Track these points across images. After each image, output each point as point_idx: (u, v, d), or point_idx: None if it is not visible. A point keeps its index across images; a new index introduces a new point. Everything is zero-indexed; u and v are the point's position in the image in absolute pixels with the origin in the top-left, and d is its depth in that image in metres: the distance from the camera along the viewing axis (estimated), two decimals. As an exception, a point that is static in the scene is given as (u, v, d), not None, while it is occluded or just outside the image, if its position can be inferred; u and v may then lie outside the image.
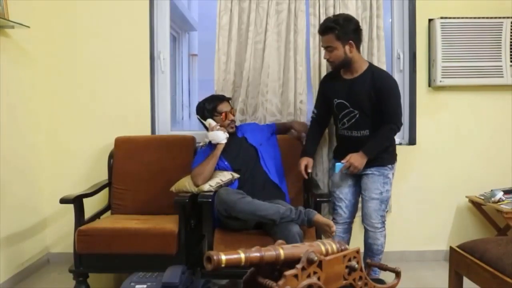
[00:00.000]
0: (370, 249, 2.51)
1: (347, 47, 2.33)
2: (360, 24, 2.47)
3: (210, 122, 2.54)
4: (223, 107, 2.57)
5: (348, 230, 2.61)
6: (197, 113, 2.64)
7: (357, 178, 2.53)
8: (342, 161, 2.38)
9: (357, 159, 2.35)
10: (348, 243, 2.60)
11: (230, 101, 2.69)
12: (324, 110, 2.59)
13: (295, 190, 2.74)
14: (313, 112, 2.65)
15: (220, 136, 2.48)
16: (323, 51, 2.84)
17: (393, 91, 2.38)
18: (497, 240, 1.98)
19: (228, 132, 2.55)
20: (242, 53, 2.92)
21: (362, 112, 2.39)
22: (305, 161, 2.53)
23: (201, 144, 2.71)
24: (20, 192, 2.81)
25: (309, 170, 2.52)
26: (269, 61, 2.90)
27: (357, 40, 2.38)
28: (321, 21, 2.85)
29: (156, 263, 2.20)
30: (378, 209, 2.45)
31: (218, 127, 2.51)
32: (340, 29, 2.31)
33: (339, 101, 2.45)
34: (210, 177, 2.43)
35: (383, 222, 2.49)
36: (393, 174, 2.52)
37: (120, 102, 3.03)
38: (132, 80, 3.02)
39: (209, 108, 2.58)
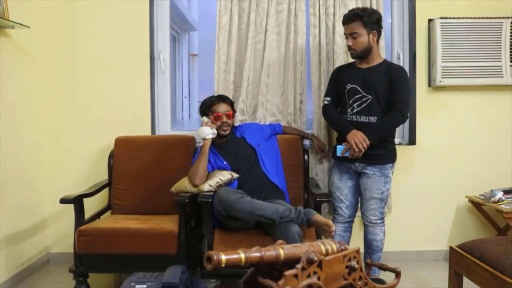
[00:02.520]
0: (370, 246, 2.54)
1: (371, 36, 2.40)
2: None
3: (203, 118, 2.57)
4: (219, 108, 2.57)
5: (349, 229, 2.62)
6: (199, 109, 2.67)
7: (356, 177, 2.54)
8: (343, 144, 2.41)
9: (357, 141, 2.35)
10: (348, 242, 2.62)
11: (232, 105, 2.65)
12: (336, 97, 2.58)
13: (295, 190, 2.74)
14: (326, 100, 2.60)
15: (205, 131, 2.49)
16: (323, 51, 2.89)
17: (405, 82, 2.45)
18: (497, 240, 1.98)
19: (221, 135, 2.55)
20: (242, 53, 2.92)
21: (375, 98, 2.41)
22: (358, 132, 2.39)
23: (201, 144, 2.71)
24: (20, 192, 2.81)
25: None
26: (269, 61, 2.91)
27: (379, 33, 2.45)
28: (321, 21, 2.88)
29: (156, 263, 2.20)
30: (379, 207, 2.49)
31: (209, 123, 2.52)
32: (368, 17, 2.38)
33: (352, 86, 2.47)
34: (206, 175, 2.44)
35: (383, 218, 2.53)
36: (392, 172, 2.54)
37: (120, 102, 3.03)
38: (132, 80, 3.02)
39: (206, 105, 2.59)
